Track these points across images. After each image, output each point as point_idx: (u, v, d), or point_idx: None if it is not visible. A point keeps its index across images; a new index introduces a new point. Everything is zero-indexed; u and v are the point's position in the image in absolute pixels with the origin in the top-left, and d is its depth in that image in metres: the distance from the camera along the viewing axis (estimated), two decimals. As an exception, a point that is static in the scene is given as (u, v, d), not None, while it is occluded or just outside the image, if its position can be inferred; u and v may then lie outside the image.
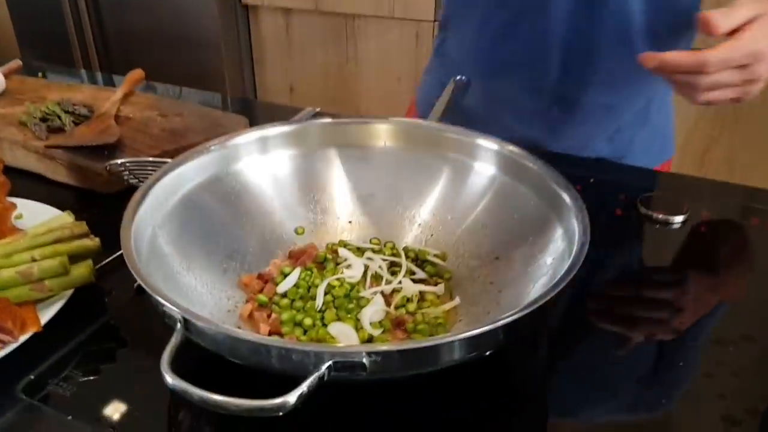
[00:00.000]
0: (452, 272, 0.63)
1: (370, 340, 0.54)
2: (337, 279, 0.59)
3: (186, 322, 0.43)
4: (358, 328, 0.55)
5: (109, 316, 0.60)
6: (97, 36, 2.31)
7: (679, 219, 0.75)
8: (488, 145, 0.65)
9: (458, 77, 0.83)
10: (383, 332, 0.55)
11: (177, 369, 0.41)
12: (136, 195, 0.56)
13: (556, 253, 0.55)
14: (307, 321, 0.55)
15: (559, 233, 0.56)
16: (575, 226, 0.53)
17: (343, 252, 0.63)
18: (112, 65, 2.37)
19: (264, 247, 0.64)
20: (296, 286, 0.60)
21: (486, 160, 0.65)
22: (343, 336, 0.54)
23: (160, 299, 0.44)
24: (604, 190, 0.82)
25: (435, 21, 1.98)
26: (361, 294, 0.58)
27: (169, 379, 0.39)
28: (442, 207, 0.67)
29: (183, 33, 2.19)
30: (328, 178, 0.69)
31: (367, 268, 0.61)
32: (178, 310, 0.43)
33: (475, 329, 0.42)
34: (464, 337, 0.42)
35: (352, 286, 0.59)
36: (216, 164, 0.63)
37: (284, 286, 0.59)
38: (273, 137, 0.66)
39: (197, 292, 0.55)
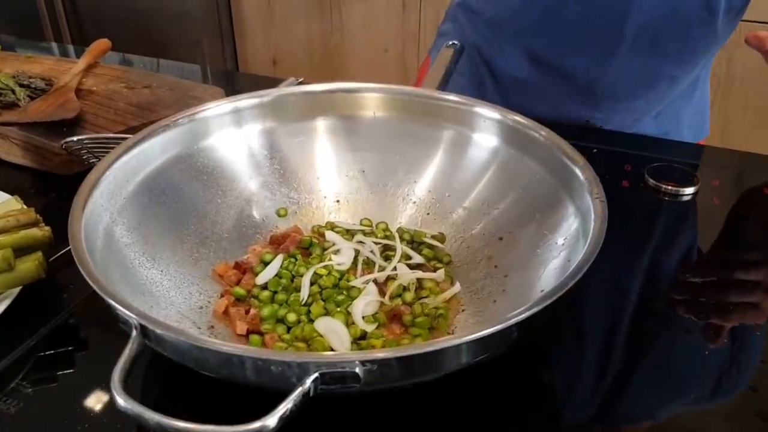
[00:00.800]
0: (452, 256, 0.56)
1: (364, 336, 0.47)
2: (324, 267, 0.53)
3: (143, 329, 0.36)
4: (349, 322, 0.48)
5: (66, 315, 0.52)
6: (69, 9, 2.20)
7: (690, 190, 0.69)
8: (489, 114, 0.58)
9: (451, 42, 0.76)
10: (377, 327, 0.48)
11: (136, 384, 0.34)
12: (90, 176, 0.48)
13: (569, 233, 0.49)
14: (291, 317, 0.49)
15: (570, 210, 0.50)
16: (589, 202, 0.47)
17: (330, 235, 0.57)
18: (85, 40, 2.26)
19: (241, 232, 0.57)
20: (278, 276, 0.53)
21: (487, 131, 0.58)
22: (332, 333, 0.47)
23: (111, 301, 0.37)
24: (609, 161, 0.76)
25: (423, -12, 1.90)
26: (352, 283, 0.51)
27: (121, 401, 0.32)
28: (440, 183, 0.60)
29: (160, 4, 2.09)
30: (312, 153, 0.61)
31: (357, 253, 0.55)
32: (134, 315, 0.36)
33: (486, 329, 0.35)
34: (473, 339, 0.35)
35: (342, 274, 0.53)
36: (184, 140, 0.56)
37: (264, 276, 0.53)
38: (248, 108, 0.59)
39: (163, 287, 0.48)
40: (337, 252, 0.54)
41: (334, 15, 2.05)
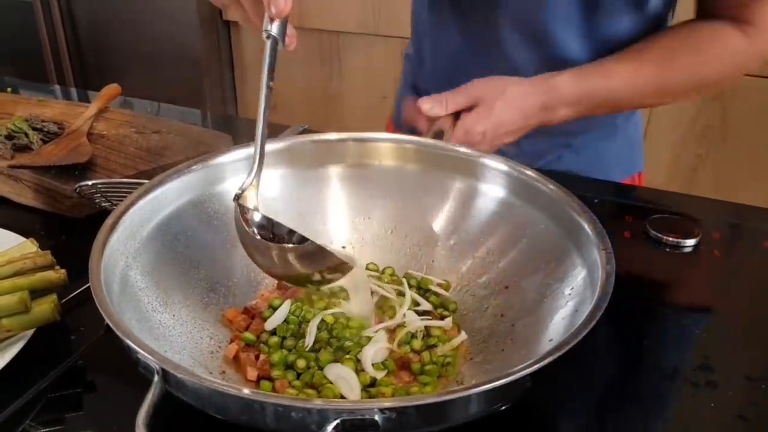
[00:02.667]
0: (458, 303, 0.57)
1: (373, 384, 0.48)
2: (332, 314, 0.53)
3: (165, 374, 0.37)
4: (359, 369, 0.49)
5: (76, 357, 0.53)
6: (73, 53, 2.24)
7: (691, 242, 0.70)
8: (496, 165, 0.60)
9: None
10: (387, 374, 0.49)
11: (157, 426, 0.34)
12: (108, 221, 0.49)
13: (576, 283, 0.50)
14: (300, 363, 0.49)
15: (577, 261, 0.51)
16: (596, 253, 0.48)
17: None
18: (88, 83, 2.29)
19: (250, 277, 0.58)
20: (286, 321, 0.54)
21: (494, 182, 0.60)
22: (342, 380, 0.47)
23: (134, 347, 0.38)
24: (609, 212, 0.77)
25: (421, 38, 1.95)
26: (365, 333, 0.52)
27: None
28: (446, 232, 0.61)
29: (163, 50, 2.14)
30: (322, 199, 0.63)
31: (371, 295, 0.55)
32: (156, 360, 0.37)
33: (501, 378, 0.36)
34: (490, 388, 0.36)
35: (350, 319, 0.53)
36: (198, 186, 0.57)
37: (273, 321, 0.53)
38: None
39: (175, 332, 0.49)
40: (348, 298, 0.55)
41: (333, 62, 2.09)
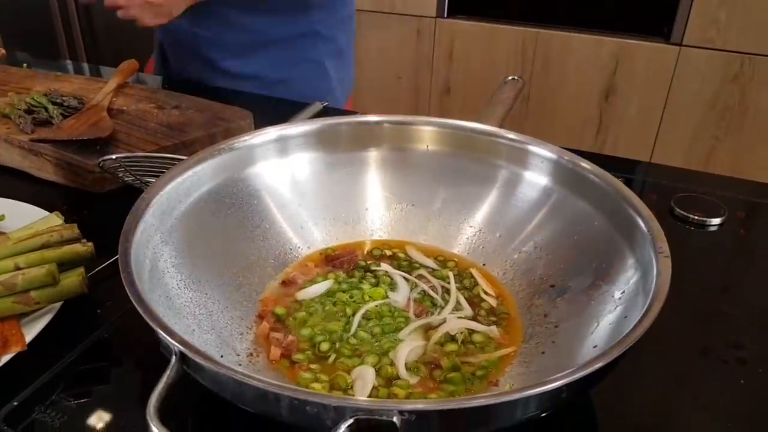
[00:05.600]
0: (510, 314, 0.53)
1: (391, 382, 0.46)
2: (377, 307, 0.52)
3: (183, 356, 0.36)
4: (384, 363, 0.47)
5: (103, 330, 0.53)
6: (86, 30, 2.23)
7: (716, 221, 0.70)
8: (543, 152, 0.57)
9: (511, 77, 0.76)
10: (419, 380, 0.46)
11: (170, 408, 0.34)
12: (144, 196, 0.49)
13: (627, 287, 0.46)
14: (324, 346, 0.48)
15: (630, 262, 0.47)
16: (652, 255, 0.44)
17: (386, 267, 0.57)
18: (100, 60, 2.29)
19: (285, 259, 0.58)
20: (321, 301, 0.53)
21: (542, 172, 0.57)
22: (360, 379, 0.46)
23: (154, 326, 0.37)
24: (634, 189, 0.76)
25: (437, 17, 1.93)
26: (400, 336, 0.49)
27: (155, 430, 0.32)
28: (491, 222, 0.59)
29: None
30: (361, 184, 0.62)
31: (413, 287, 0.54)
32: (175, 342, 0.36)
33: (535, 388, 0.33)
34: (522, 397, 0.33)
35: (394, 310, 0.52)
36: (232, 166, 0.57)
37: (306, 293, 0.53)
38: (296, 136, 0.59)
39: (206, 311, 0.48)
40: (391, 286, 0.54)
41: (347, 41, 2.07)
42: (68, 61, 1.95)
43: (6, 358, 0.45)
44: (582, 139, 1.97)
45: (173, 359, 0.36)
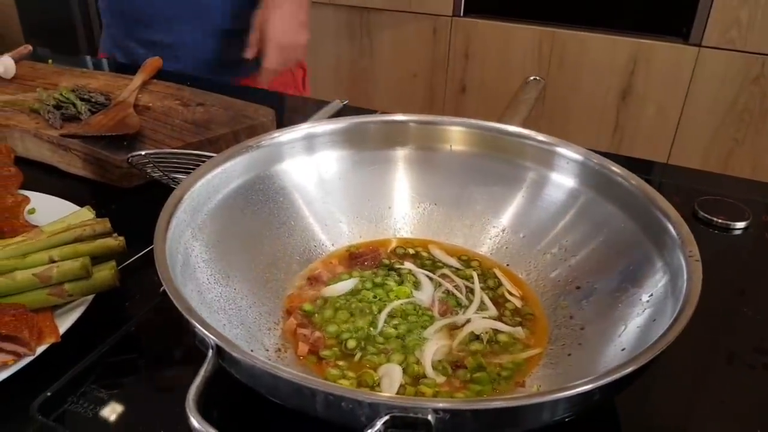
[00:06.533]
0: (535, 314, 0.53)
1: (417, 381, 0.46)
2: (402, 305, 0.52)
3: (219, 350, 0.37)
4: (411, 362, 0.48)
5: (132, 323, 0.54)
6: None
7: (741, 225, 0.70)
8: (570, 154, 0.57)
9: (533, 78, 0.76)
10: (446, 379, 0.47)
11: (206, 402, 0.34)
12: (176, 193, 0.49)
13: (655, 289, 0.46)
14: (351, 343, 0.49)
15: (658, 266, 0.47)
16: (681, 259, 0.44)
17: (409, 265, 0.57)
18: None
19: (311, 256, 0.59)
20: (346, 299, 0.54)
21: (569, 173, 0.58)
22: (386, 377, 0.47)
23: (192, 321, 0.38)
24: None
25: (453, 16, 1.93)
26: (425, 335, 0.50)
27: (195, 422, 0.33)
28: (515, 223, 0.59)
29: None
30: (385, 183, 0.62)
31: (437, 286, 0.54)
32: (212, 336, 0.37)
33: (569, 390, 0.34)
34: (554, 399, 0.34)
35: (419, 309, 0.53)
36: (260, 163, 0.57)
37: (332, 291, 0.54)
38: (323, 135, 0.60)
39: (235, 306, 0.49)
40: (416, 285, 0.55)
41: (363, 39, 2.08)
42: (87, 57, 1.97)
43: (40, 349, 0.46)
44: (598, 140, 1.97)
45: (210, 353, 0.37)
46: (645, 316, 0.45)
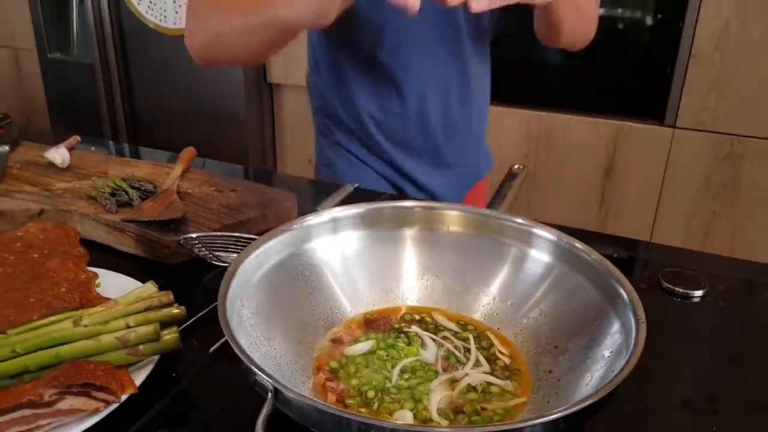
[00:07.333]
0: (522, 371, 0.63)
1: (426, 424, 0.57)
2: (411, 363, 0.64)
3: (276, 392, 0.48)
4: (420, 408, 0.58)
5: (188, 380, 0.65)
6: (127, 110, 2.42)
7: (698, 293, 0.81)
8: (545, 234, 0.69)
9: (517, 166, 0.91)
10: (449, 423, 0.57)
11: None
12: (230, 270, 0.62)
13: (613, 347, 0.57)
14: (370, 393, 0.60)
15: (616, 327, 0.58)
16: (632, 320, 0.55)
17: (416, 329, 0.69)
18: (137, 138, 2.47)
19: (334, 321, 0.70)
20: (365, 357, 0.65)
21: (544, 250, 0.70)
22: (399, 417, 0.58)
23: (254, 369, 0.49)
24: (627, 266, 0.88)
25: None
26: (431, 388, 0.60)
27: None
28: (504, 292, 0.71)
29: (209, 108, 2.31)
30: (395, 259, 0.75)
31: (440, 346, 0.66)
32: (270, 380, 0.48)
33: (541, 418, 0.45)
34: (532, 424, 0.44)
35: (425, 365, 0.64)
36: (292, 243, 0.70)
37: (354, 350, 0.65)
38: (346, 218, 0.73)
39: (275, 363, 0.60)
40: (423, 345, 0.66)
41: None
42: (110, 142, 2.12)
43: (123, 397, 0.57)
44: (586, 213, 2.10)
45: (269, 395, 0.48)
46: (605, 368, 0.55)
